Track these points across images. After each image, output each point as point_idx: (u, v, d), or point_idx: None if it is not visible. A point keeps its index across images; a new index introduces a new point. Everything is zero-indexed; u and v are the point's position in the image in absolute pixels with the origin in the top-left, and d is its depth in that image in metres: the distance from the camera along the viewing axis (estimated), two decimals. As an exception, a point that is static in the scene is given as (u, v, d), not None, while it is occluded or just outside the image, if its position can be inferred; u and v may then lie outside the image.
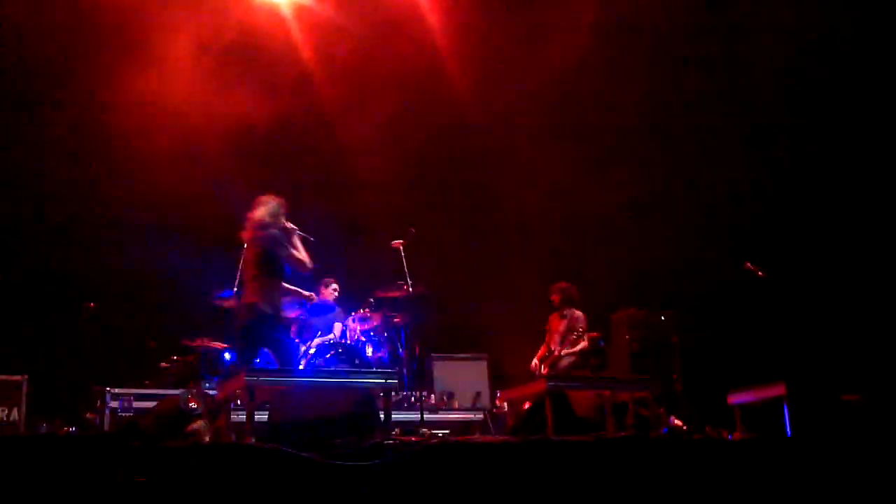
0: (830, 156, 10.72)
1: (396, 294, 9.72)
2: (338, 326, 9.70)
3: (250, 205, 7.60)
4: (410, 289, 9.53)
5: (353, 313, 9.78)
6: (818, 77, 10.81)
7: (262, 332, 7.44)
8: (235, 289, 8.90)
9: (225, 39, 11.21)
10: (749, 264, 8.95)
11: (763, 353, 9.39)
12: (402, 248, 9.54)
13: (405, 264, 9.51)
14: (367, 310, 9.79)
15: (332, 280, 10.03)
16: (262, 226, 7.50)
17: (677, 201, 11.28)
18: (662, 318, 9.77)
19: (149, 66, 10.97)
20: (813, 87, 10.80)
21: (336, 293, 9.99)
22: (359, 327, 9.66)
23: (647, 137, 11.52)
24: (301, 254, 7.60)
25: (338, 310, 9.79)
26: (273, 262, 7.50)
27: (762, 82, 10.98)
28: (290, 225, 7.67)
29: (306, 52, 11.60)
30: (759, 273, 8.88)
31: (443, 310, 11.19)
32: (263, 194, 7.73)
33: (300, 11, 11.43)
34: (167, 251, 10.77)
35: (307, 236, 7.82)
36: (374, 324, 9.78)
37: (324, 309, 9.56)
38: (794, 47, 10.70)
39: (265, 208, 7.59)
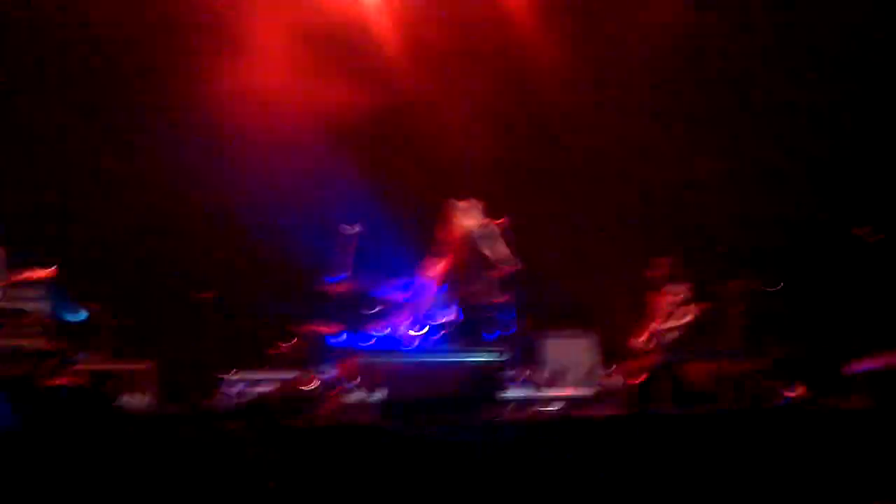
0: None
1: (503, 273, 9.75)
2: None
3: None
4: (515, 266, 9.56)
5: (461, 293, 9.81)
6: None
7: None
8: (343, 273, 9.14)
9: (318, 30, 11.38)
10: (862, 230, 8.73)
11: (880, 320, 9.12)
12: (502, 227, 9.56)
13: (507, 242, 9.54)
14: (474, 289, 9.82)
15: (434, 258, 10.10)
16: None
17: (786, 170, 11.00)
18: (775, 287, 9.54)
19: (245, 59, 11.22)
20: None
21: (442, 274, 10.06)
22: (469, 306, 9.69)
23: (746, 107, 11.27)
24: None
25: (447, 289, 9.85)
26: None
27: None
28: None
29: (397, 39, 11.68)
30: (871, 238, 8.66)
31: (551, 286, 11.17)
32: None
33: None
34: (278, 237, 11.02)
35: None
36: (483, 302, 9.80)
37: (430, 290, 9.64)
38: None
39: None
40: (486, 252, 7.85)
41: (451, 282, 8.07)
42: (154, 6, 11.08)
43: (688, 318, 8.92)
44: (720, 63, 11.35)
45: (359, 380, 7.20)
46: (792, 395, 7.92)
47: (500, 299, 9.92)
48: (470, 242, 7.91)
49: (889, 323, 8.94)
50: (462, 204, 8.14)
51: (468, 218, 8.07)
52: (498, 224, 8.13)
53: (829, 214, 10.31)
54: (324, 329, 9.59)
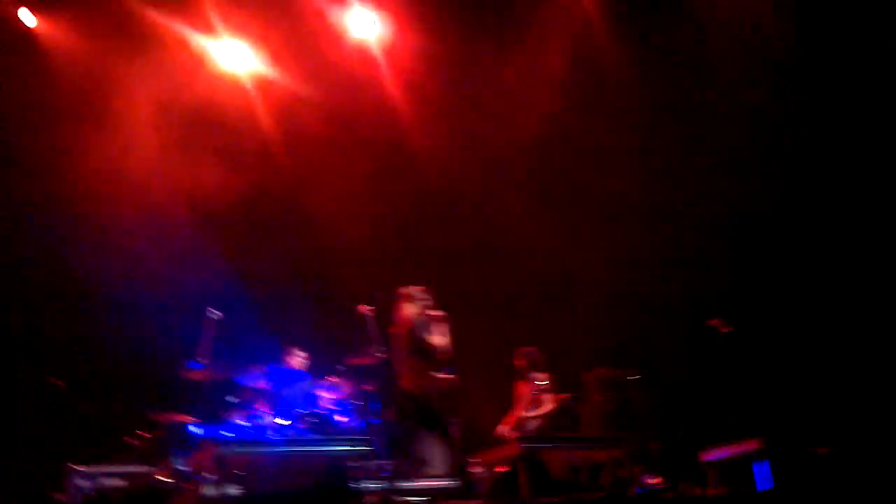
0: (794, 209, 10.94)
1: (365, 361, 9.70)
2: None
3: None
4: (379, 354, 9.53)
5: (322, 382, 9.69)
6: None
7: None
8: (202, 360, 8.89)
9: (188, 110, 11.26)
10: (715, 321, 9.09)
11: (734, 409, 9.44)
12: (369, 313, 9.56)
13: (372, 330, 9.52)
14: (336, 378, 9.72)
15: (295, 347, 9.98)
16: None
17: (648, 261, 11.38)
18: (634, 377, 9.78)
19: (112, 136, 11.02)
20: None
21: (302, 360, 9.94)
22: (329, 396, 9.57)
23: (617, 200, 11.68)
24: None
25: (308, 378, 9.71)
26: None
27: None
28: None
29: (269, 122, 11.67)
30: (725, 330, 9.02)
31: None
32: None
33: (262, 83, 11.53)
34: (133, 323, 10.68)
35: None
36: (345, 392, 9.70)
37: (293, 377, 9.48)
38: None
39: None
40: (429, 340, 7.94)
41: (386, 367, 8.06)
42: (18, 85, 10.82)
43: (550, 407, 9.04)
44: (593, 158, 11.77)
45: (216, 471, 6.93)
46: (649, 482, 8.05)
47: (366, 388, 9.85)
48: (415, 329, 7.97)
49: (740, 412, 9.24)
50: (412, 290, 8.21)
51: (415, 304, 8.12)
52: (442, 315, 8.23)
53: (688, 305, 10.67)
54: (182, 418, 9.27)
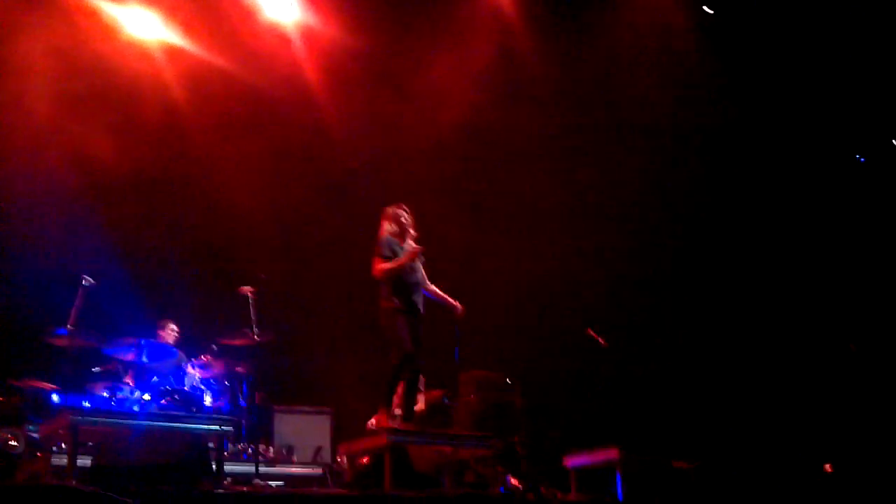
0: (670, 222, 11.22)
1: (241, 342, 9.54)
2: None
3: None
4: (256, 337, 9.38)
5: (193, 359, 9.49)
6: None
7: None
8: (69, 327, 8.59)
9: (89, 75, 10.85)
10: (591, 331, 9.26)
11: (603, 418, 9.61)
12: (250, 294, 9.40)
13: (253, 311, 9.37)
14: (208, 356, 9.52)
15: (170, 321, 9.75)
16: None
17: (527, 266, 11.49)
18: (508, 380, 9.85)
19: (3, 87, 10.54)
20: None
21: (175, 335, 9.70)
22: (199, 374, 9.35)
23: (516, 201, 11.77)
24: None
25: (179, 354, 9.48)
26: None
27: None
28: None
29: (174, 93, 11.33)
30: (601, 340, 9.20)
31: (288, 361, 10.99)
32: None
33: (170, 53, 11.22)
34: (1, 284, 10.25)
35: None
36: (216, 371, 9.51)
37: (163, 353, 9.24)
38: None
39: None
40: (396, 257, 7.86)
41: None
42: None
43: (420, 405, 9.01)
44: (501, 159, 11.86)
45: (69, 441, 6.69)
46: (512, 483, 8.11)
47: (239, 369, 9.69)
48: (386, 245, 7.92)
49: (609, 422, 9.42)
50: (393, 209, 8.13)
51: (393, 223, 8.05)
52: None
53: (569, 312, 10.81)
54: (42, 385, 8.94)
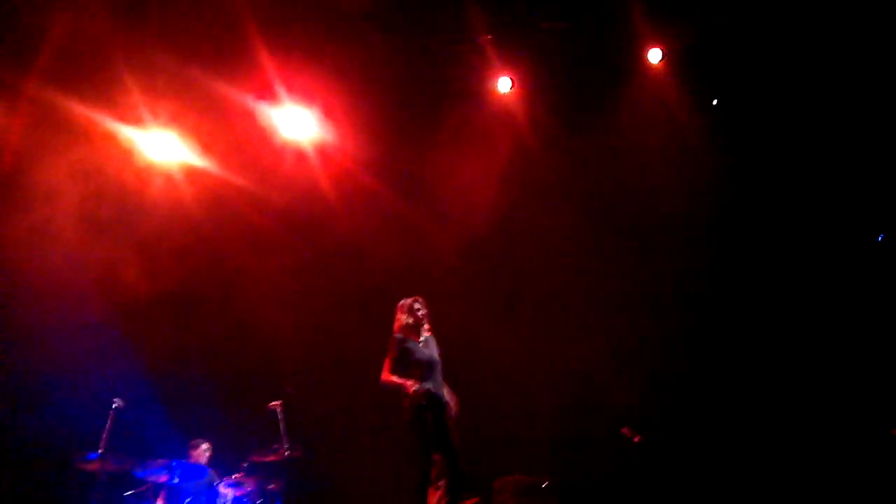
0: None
1: (272, 458, 9.47)
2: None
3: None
4: (287, 452, 9.32)
5: (226, 478, 9.40)
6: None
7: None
8: (101, 450, 8.57)
9: (112, 199, 11.07)
10: (626, 430, 9.13)
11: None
12: (279, 409, 9.38)
13: (282, 426, 9.33)
14: (240, 475, 9.43)
15: (202, 441, 9.71)
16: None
17: (558, 365, 11.41)
18: (545, 484, 9.69)
19: (31, 219, 10.74)
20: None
21: (208, 454, 9.65)
22: (231, 493, 9.27)
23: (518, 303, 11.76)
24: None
25: (211, 473, 9.41)
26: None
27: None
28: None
29: (196, 213, 11.51)
30: (635, 438, 9.06)
31: (320, 475, 10.86)
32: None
33: (191, 174, 11.42)
34: (29, 412, 10.26)
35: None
36: (248, 489, 9.41)
37: (195, 473, 9.18)
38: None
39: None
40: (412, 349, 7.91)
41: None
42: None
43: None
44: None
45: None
46: None
47: (271, 486, 9.58)
48: (400, 340, 8.00)
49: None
50: (408, 301, 8.23)
51: (408, 315, 8.13)
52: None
53: (600, 412, 10.67)
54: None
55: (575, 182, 11.65)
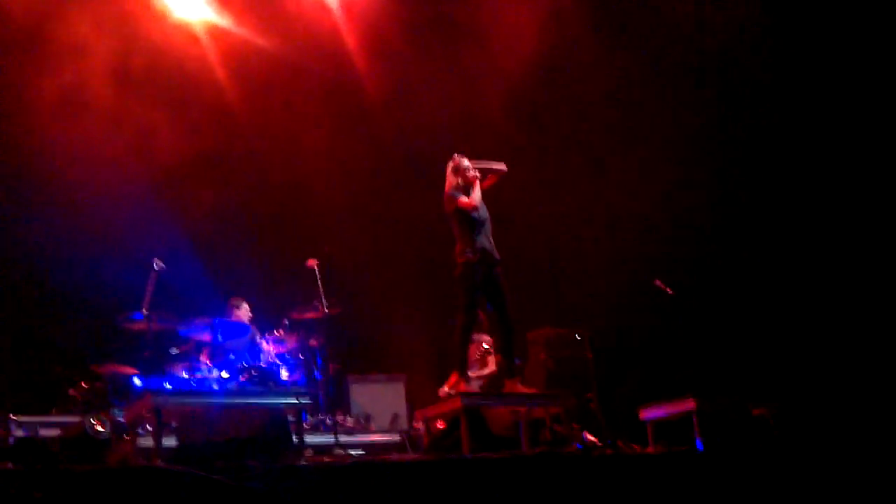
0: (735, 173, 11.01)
1: (312, 315, 9.67)
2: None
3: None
4: (326, 309, 9.50)
5: (267, 335, 9.65)
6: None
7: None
8: (145, 311, 8.79)
9: (139, 63, 10.99)
10: (659, 282, 9.18)
11: (675, 368, 9.55)
12: (317, 267, 9.52)
13: (320, 284, 9.48)
14: (282, 331, 9.68)
15: (241, 299, 9.90)
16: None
17: (590, 219, 11.41)
18: (577, 336, 9.84)
19: (60, 82, 10.71)
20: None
21: (248, 313, 9.87)
22: (274, 349, 9.52)
23: (557, 155, 11.64)
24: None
25: (252, 330, 9.65)
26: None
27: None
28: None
29: (223, 73, 11.43)
30: (668, 290, 9.12)
31: (359, 331, 11.12)
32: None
33: (216, 32, 11.27)
34: (74, 274, 10.49)
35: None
36: (290, 346, 9.67)
37: (237, 331, 9.40)
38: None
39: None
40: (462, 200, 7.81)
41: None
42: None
43: (493, 368, 9.04)
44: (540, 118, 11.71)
45: (153, 422, 6.87)
46: (588, 439, 8.12)
47: (312, 342, 9.83)
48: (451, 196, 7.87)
49: (682, 372, 9.35)
50: (455, 160, 8.04)
51: (456, 173, 7.97)
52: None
53: (636, 265, 10.70)
54: (123, 369, 9.17)
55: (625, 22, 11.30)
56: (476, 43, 11.45)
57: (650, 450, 7.83)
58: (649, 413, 8.32)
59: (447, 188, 8.01)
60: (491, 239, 7.95)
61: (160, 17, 10.87)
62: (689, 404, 7.93)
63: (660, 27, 11.26)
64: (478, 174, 7.99)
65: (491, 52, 11.37)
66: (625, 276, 10.59)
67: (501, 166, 8.18)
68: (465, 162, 8.06)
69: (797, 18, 10.78)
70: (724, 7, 10.98)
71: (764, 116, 10.99)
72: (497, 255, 7.93)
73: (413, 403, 10.06)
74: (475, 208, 7.83)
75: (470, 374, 8.55)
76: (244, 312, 9.87)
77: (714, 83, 11.21)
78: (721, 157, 11.01)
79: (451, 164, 8.08)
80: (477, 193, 7.90)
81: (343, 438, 9.20)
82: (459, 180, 7.98)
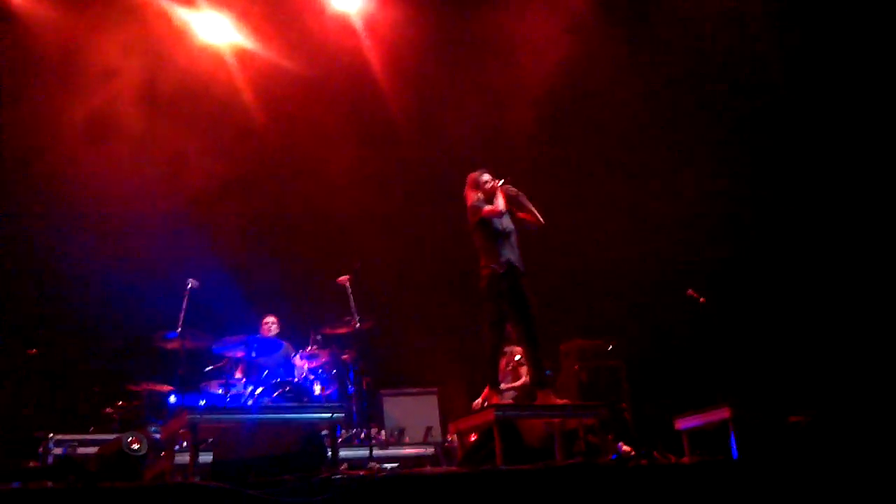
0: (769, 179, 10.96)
1: (344, 330, 9.73)
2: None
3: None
4: (358, 324, 9.55)
5: (300, 351, 9.72)
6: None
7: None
8: (179, 329, 8.88)
9: (167, 83, 11.13)
10: (691, 291, 9.13)
11: (709, 378, 9.48)
12: (348, 283, 9.58)
13: (352, 299, 9.54)
14: (314, 347, 9.74)
15: (269, 315, 10.00)
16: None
17: (622, 230, 11.38)
18: (610, 347, 9.81)
19: (90, 108, 10.88)
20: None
21: (276, 327, 9.95)
22: (307, 365, 9.60)
23: (584, 167, 11.66)
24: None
25: (286, 346, 9.72)
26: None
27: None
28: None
29: (250, 95, 11.55)
30: (701, 299, 9.07)
31: (391, 345, 11.16)
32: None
33: (242, 55, 11.40)
34: (110, 295, 10.63)
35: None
36: (322, 361, 9.74)
37: (270, 347, 9.48)
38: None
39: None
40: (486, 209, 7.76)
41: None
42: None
43: (525, 379, 9.03)
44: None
45: (189, 439, 6.94)
46: (623, 450, 8.09)
47: (344, 357, 9.88)
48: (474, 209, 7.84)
49: (716, 381, 9.28)
50: (475, 175, 8.02)
51: (477, 188, 7.94)
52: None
53: (668, 274, 10.67)
54: (159, 388, 9.28)
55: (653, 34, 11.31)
56: (500, 59, 11.51)
57: (686, 460, 7.77)
58: (684, 423, 8.26)
59: (469, 203, 8.00)
60: (517, 250, 7.92)
61: (187, 41, 11.00)
62: (725, 413, 7.87)
63: (684, 36, 11.23)
64: (497, 184, 7.96)
65: (515, 68, 11.43)
66: (657, 286, 10.55)
67: (539, 218, 8.02)
68: (485, 176, 8.04)
69: (823, 22, 10.72)
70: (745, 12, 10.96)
71: (794, 120, 10.93)
72: (522, 268, 7.89)
73: (446, 416, 10.07)
74: (501, 214, 7.80)
75: (503, 385, 8.55)
76: (272, 327, 9.97)
77: (740, 88, 11.15)
78: (752, 162, 10.96)
79: (469, 181, 8.07)
80: (500, 201, 7.86)
81: (377, 452, 9.21)
82: (480, 194, 7.96)
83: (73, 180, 10.84)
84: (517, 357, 9.14)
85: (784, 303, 10.51)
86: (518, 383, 9.07)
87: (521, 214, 7.99)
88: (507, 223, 7.92)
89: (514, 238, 7.94)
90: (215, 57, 11.17)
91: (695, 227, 10.96)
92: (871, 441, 7.97)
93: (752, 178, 10.96)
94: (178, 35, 10.94)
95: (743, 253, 10.79)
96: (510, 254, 7.83)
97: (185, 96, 11.12)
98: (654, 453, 7.74)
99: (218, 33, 11.15)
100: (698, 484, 6.71)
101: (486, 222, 7.82)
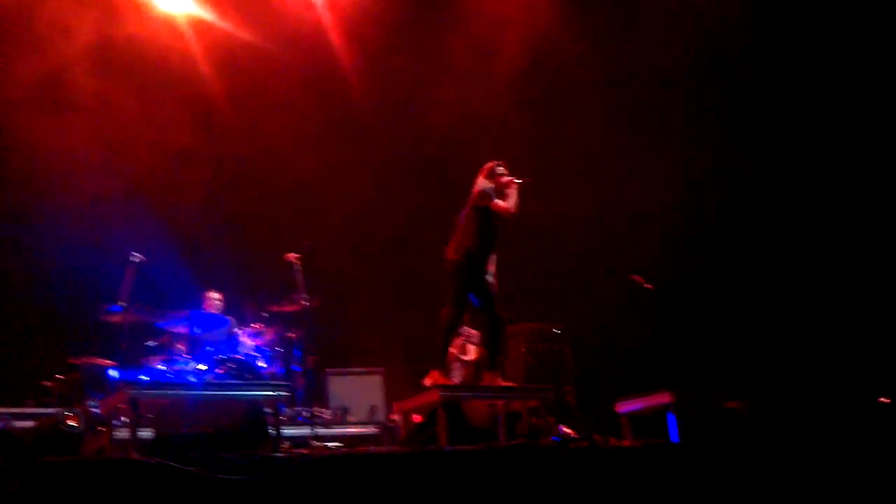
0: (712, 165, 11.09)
1: (290, 308, 9.67)
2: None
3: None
4: (304, 302, 9.50)
5: (245, 327, 9.64)
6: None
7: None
8: (122, 303, 8.76)
9: (120, 56, 10.95)
10: (635, 276, 9.23)
11: (651, 363, 9.61)
12: (297, 260, 9.51)
13: (300, 277, 9.48)
14: (260, 324, 9.67)
15: (212, 291, 9.90)
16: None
17: (569, 215, 11.45)
18: (556, 330, 9.88)
19: (41, 68, 10.65)
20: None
21: (220, 303, 9.86)
22: (251, 341, 9.52)
23: (547, 149, 11.70)
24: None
25: (231, 323, 9.64)
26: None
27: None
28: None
29: (206, 66, 11.40)
30: (647, 285, 9.17)
31: (338, 324, 11.13)
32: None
33: (200, 26, 11.24)
34: (52, 264, 10.45)
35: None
36: (268, 338, 9.66)
37: (214, 323, 9.40)
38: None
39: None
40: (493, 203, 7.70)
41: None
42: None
43: (471, 357, 9.06)
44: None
45: (129, 414, 6.87)
46: (564, 432, 8.16)
47: (290, 335, 9.82)
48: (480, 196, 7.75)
49: (658, 366, 9.41)
50: (491, 165, 7.92)
51: (489, 179, 7.85)
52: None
53: (616, 261, 10.77)
54: (100, 361, 9.15)
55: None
56: (466, 39, 11.49)
57: (626, 442, 7.88)
58: (625, 406, 8.39)
59: (478, 188, 7.89)
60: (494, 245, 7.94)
61: (143, 10, 10.83)
62: (665, 398, 8.00)
63: (659, 19, 11.30)
64: (513, 179, 7.94)
65: (480, 41, 11.43)
66: (604, 272, 10.64)
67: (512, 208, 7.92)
68: (500, 168, 8.01)
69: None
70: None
71: (758, 104, 11.11)
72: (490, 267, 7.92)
73: (391, 397, 10.08)
74: (511, 214, 7.79)
75: (448, 363, 8.59)
76: (215, 303, 9.87)
77: (711, 79, 11.29)
78: (700, 155, 11.11)
79: (485, 168, 7.99)
80: (513, 200, 7.84)
81: (320, 431, 9.21)
82: (491, 183, 7.92)
83: (16, 147, 10.60)
84: (468, 336, 9.17)
85: (726, 292, 10.68)
86: (465, 358, 9.08)
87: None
88: (501, 222, 7.94)
89: (497, 238, 7.97)
90: (171, 27, 11.01)
91: (646, 214, 11.07)
92: (803, 426, 8.18)
93: (707, 169, 11.11)
94: (135, 3, 10.74)
95: (691, 241, 10.92)
96: (489, 247, 7.86)
97: (140, 67, 10.95)
98: (595, 436, 7.85)
99: (175, 2, 10.97)
100: (638, 466, 6.83)
101: (488, 212, 7.80)
